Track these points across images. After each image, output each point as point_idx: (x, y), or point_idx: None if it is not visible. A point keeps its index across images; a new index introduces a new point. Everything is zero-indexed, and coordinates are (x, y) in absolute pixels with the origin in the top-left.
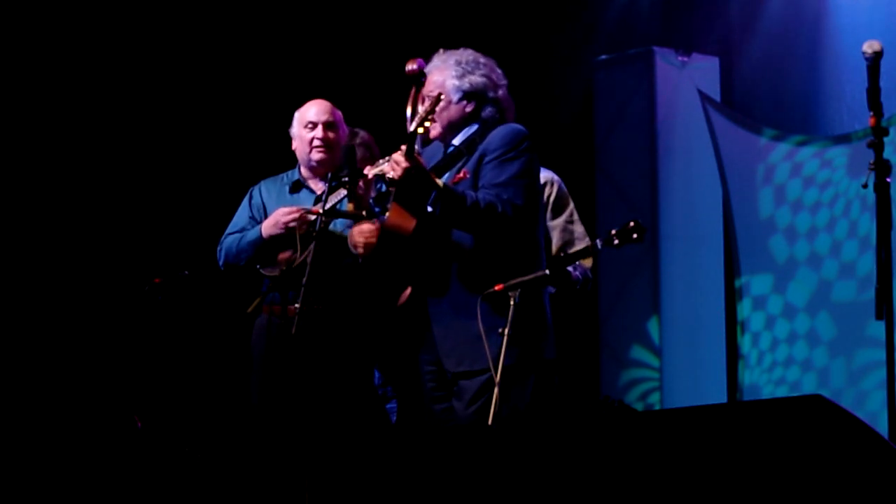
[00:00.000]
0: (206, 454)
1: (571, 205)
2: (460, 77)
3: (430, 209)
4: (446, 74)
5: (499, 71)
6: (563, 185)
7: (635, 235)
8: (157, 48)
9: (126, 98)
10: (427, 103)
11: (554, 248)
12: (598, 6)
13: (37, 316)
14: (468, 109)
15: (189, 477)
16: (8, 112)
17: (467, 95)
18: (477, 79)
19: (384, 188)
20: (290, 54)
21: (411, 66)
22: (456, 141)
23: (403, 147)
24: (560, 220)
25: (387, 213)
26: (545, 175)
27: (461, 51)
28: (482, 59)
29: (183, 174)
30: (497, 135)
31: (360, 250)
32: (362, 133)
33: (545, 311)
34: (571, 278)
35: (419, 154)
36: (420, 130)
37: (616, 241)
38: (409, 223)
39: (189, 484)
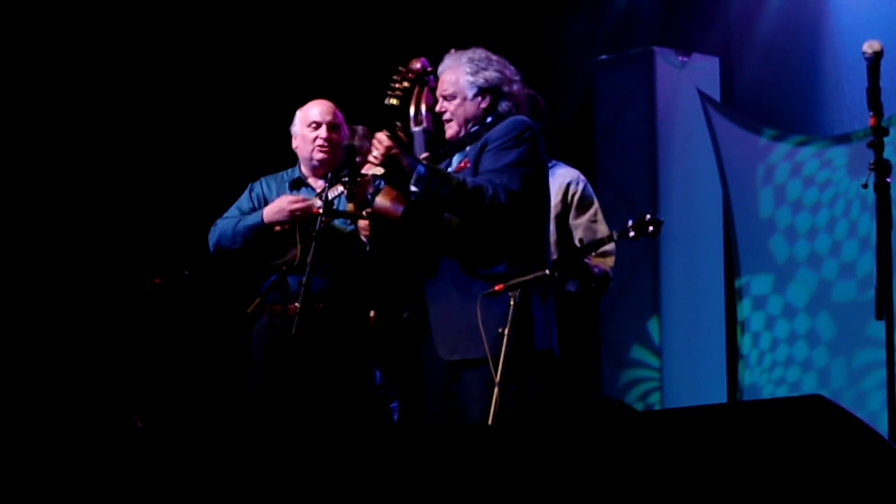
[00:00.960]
0: (206, 454)
1: (596, 204)
2: (474, 73)
3: (414, 188)
4: (460, 72)
5: (511, 67)
6: (588, 186)
7: (651, 228)
8: (157, 48)
9: (126, 98)
10: (398, 80)
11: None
12: (598, 6)
13: (37, 316)
14: (483, 105)
15: (189, 477)
16: (8, 112)
17: (482, 91)
18: (491, 74)
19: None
20: (289, 54)
21: (415, 65)
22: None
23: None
24: (583, 219)
25: (378, 197)
26: (570, 174)
27: (472, 49)
28: (494, 57)
29: (183, 174)
30: (500, 125)
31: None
32: (360, 129)
33: (545, 306)
34: (592, 270)
35: (402, 132)
36: (394, 102)
37: (632, 234)
38: (397, 205)
39: (189, 484)
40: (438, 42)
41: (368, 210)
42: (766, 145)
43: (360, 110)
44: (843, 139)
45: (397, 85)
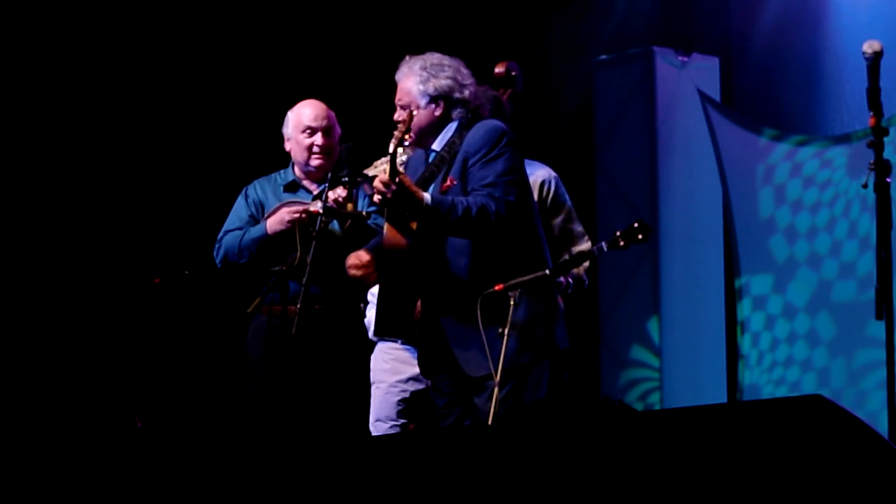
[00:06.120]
0: (206, 454)
1: (568, 204)
2: (425, 82)
3: (421, 221)
4: (412, 81)
5: (465, 71)
6: (560, 185)
7: (640, 236)
8: (157, 49)
9: (125, 99)
10: (401, 123)
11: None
12: (599, 6)
13: (37, 316)
14: (437, 113)
15: (189, 477)
16: (8, 112)
17: (434, 99)
18: (441, 82)
19: None
20: (288, 53)
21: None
22: (436, 146)
23: (386, 169)
24: (558, 221)
25: (384, 233)
26: (542, 173)
27: (426, 55)
28: (447, 61)
29: (182, 174)
30: (475, 135)
31: (352, 272)
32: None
33: (551, 303)
34: (562, 286)
35: (403, 172)
36: (400, 150)
37: (622, 243)
38: (404, 242)
39: (189, 484)
40: (437, 43)
41: (369, 210)
42: (766, 145)
43: (353, 108)
44: (843, 139)
45: (399, 134)
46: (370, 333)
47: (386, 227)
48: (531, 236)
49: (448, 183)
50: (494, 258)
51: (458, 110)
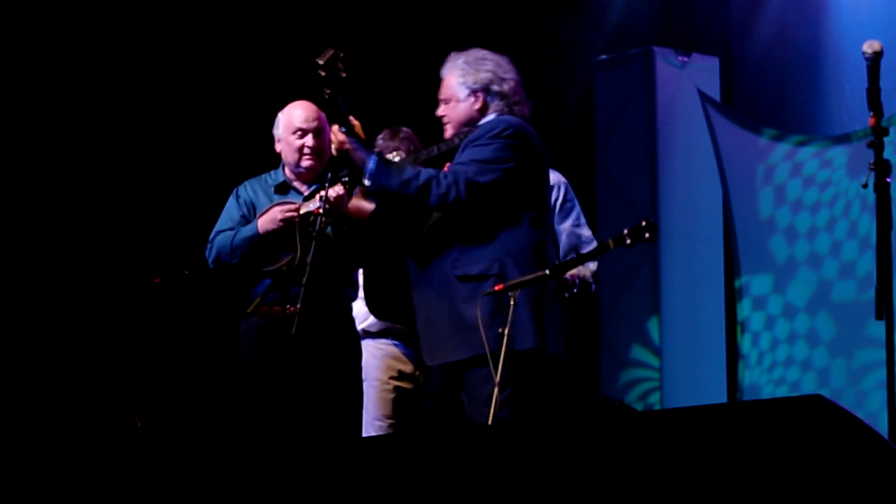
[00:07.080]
0: (205, 454)
1: (577, 208)
2: (464, 75)
3: (367, 182)
4: (453, 75)
5: (507, 66)
6: (569, 189)
7: (647, 235)
8: (155, 50)
9: (124, 99)
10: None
11: (561, 252)
12: (599, 6)
13: (37, 316)
14: (476, 106)
15: (189, 477)
16: (8, 112)
17: (473, 92)
18: (482, 75)
19: None
20: (283, 53)
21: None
22: None
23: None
24: (567, 225)
25: (351, 199)
26: (551, 177)
27: (470, 51)
28: (489, 56)
29: (182, 174)
30: (483, 125)
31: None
32: (404, 130)
33: (532, 305)
34: (568, 283)
35: (355, 123)
36: (328, 91)
37: (628, 241)
38: (367, 206)
39: (189, 484)
40: (437, 43)
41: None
42: (766, 145)
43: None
44: (843, 139)
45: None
46: (357, 323)
47: (356, 193)
48: (520, 234)
49: (444, 170)
50: (461, 241)
51: (497, 103)
